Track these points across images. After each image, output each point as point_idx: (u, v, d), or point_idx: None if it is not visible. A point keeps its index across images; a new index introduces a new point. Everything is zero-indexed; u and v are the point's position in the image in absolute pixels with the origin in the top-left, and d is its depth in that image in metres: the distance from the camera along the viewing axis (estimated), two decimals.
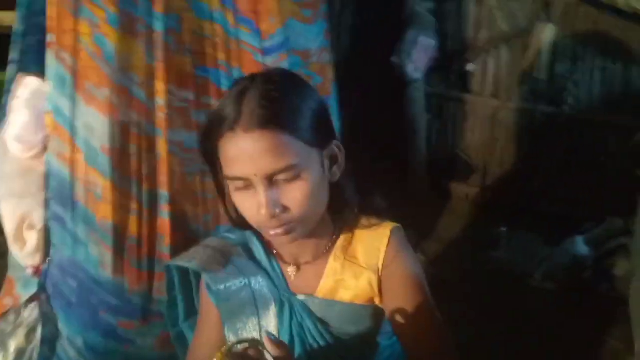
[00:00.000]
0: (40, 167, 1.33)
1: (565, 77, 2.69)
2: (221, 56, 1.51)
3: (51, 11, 1.27)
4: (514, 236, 2.77)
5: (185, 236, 1.47)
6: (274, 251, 1.13)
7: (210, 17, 1.48)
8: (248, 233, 1.14)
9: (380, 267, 1.06)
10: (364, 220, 1.10)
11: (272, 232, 0.97)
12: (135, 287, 1.40)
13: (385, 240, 1.06)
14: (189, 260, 1.14)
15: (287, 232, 0.96)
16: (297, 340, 1.06)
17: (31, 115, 1.30)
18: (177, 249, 1.39)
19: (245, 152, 0.90)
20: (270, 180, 0.91)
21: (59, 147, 1.31)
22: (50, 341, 1.34)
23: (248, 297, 1.07)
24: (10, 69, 1.40)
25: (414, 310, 1.01)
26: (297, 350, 1.06)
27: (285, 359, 0.83)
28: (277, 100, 0.92)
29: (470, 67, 2.95)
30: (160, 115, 1.40)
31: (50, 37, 1.28)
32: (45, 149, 1.32)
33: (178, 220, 1.46)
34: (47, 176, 1.32)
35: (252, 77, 0.98)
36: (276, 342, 0.84)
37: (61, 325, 1.37)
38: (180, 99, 1.45)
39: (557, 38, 2.64)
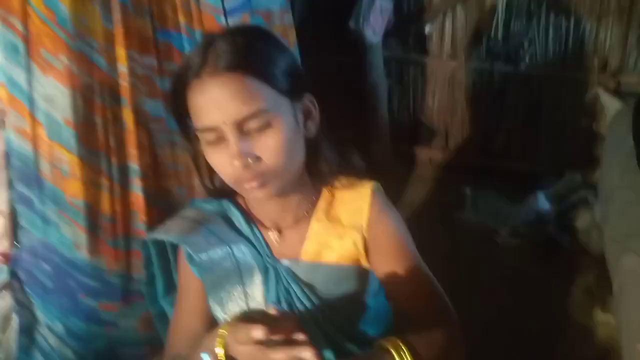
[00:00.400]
0: None
1: (521, 35, 2.72)
2: (182, 19, 1.42)
3: None
4: (478, 196, 2.81)
5: (160, 212, 1.40)
6: (254, 218, 1.10)
7: None
8: (224, 202, 1.11)
9: (365, 226, 1.05)
10: (343, 180, 1.09)
11: (246, 186, 0.94)
12: (114, 267, 1.33)
13: (368, 199, 1.05)
14: (166, 232, 1.10)
15: (262, 185, 0.94)
16: (284, 305, 1.05)
17: None
18: (153, 225, 1.33)
19: (212, 99, 0.87)
20: (241, 130, 0.89)
21: (18, 121, 1.21)
22: (27, 329, 1.26)
23: (231, 265, 1.05)
24: None
25: (404, 269, 1.01)
26: None
27: (295, 328, 0.80)
28: (244, 46, 0.90)
29: (427, 29, 2.94)
30: (124, 84, 1.31)
31: None
32: (2, 124, 1.21)
33: (151, 195, 1.39)
34: (8, 154, 1.22)
35: (221, 31, 0.99)
36: (283, 312, 0.83)
37: (38, 312, 1.28)
38: (143, 65, 1.37)
39: None
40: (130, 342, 1.38)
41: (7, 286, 1.25)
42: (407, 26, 2.99)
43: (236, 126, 0.88)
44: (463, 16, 2.83)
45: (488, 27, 2.75)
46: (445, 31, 2.91)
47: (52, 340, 1.28)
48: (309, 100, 1.01)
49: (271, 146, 0.91)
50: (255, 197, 0.99)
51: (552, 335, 2.03)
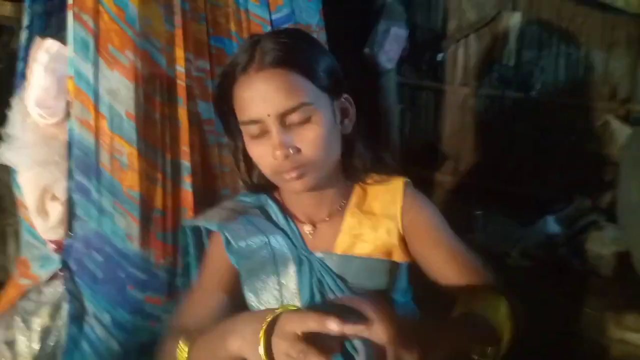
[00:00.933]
0: (62, 135, 1.24)
1: (532, 64, 2.82)
2: (233, 27, 1.49)
3: None
4: (489, 219, 2.85)
5: (206, 210, 1.42)
6: (289, 212, 1.14)
7: None
8: (263, 197, 1.15)
9: (399, 215, 1.09)
10: (375, 177, 1.14)
11: (286, 176, 0.99)
12: (161, 260, 1.35)
13: (400, 192, 1.10)
14: (206, 219, 1.13)
15: (300, 176, 0.98)
16: (317, 296, 1.08)
17: (52, 79, 1.22)
18: None
19: (258, 92, 0.92)
20: (284, 122, 0.95)
21: (82, 113, 1.24)
22: (77, 319, 1.26)
23: (268, 255, 1.08)
24: (24, 35, 1.32)
25: (446, 250, 1.04)
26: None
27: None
28: (288, 44, 0.95)
29: (440, 56, 3.03)
30: (181, 84, 1.36)
31: None
32: (67, 115, 1.23)
33: (199, 193, 1.42)
34: (70, 144, 1.24)
35: (266, 33, 1.06)
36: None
37: (87, 302, 1.28)
38: (198, 68, 1.42)
39: (523, 26, 2.77)
40: None
41: (58, 275, 1.26)
42: (421, 53, 3.08)
43: (279, 118, 0.93)
44: (476, 44, 2.93)
45: (500, 55, 2.84)
46: (458, 58, 3.00)
47: (99, 330, 1.28)
48: (346, 100, 1.06)
49: (311, 139, 0.96)
50: (294, 188, 1.03)
51: (567, 354, 2.05)
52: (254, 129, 0.95)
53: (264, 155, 0.98)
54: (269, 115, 0.92)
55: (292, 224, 1.12)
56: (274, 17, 1.52)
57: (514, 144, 2.97)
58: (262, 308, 1.07)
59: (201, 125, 1.41)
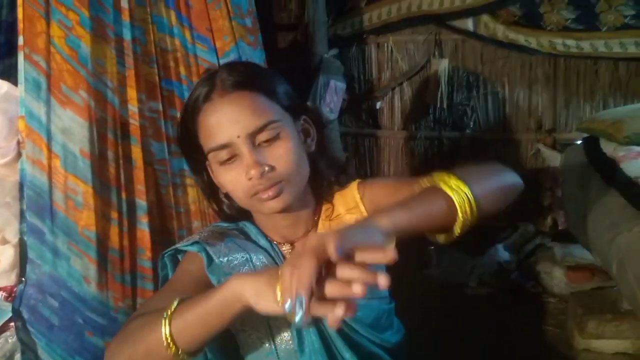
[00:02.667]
0: (13, 176, 1.21)
1: (464, 104, 3.02)
2: (182, 70, 1.54)
3: (21, 13, 1.22)
4: (442, 253, 2.93)
5: (163, 249, 1.40)
6: (267, 235, 1.15)
7: (171, 32, 1.52)
8: (240, 222, 1.15)
9: (361, 203, 1.11)
10: (336, 188, 1.17)
11: (263, 196, 0.99)
12: (120, 303, 1.30)
13: (355, 189, 1.13)
14: (188, 242, 1.11)
15: (277, 194, 0.98)
16: None
17: (3, 119, 1.21)
18: (157, 264, 1.33)
19: (224, 115, 0.94)
20: (253, 143, 0.96)
21: (34, 153, 1.22)
22: None
23: (250, 271, 1.07)
24: None
25: (408, 184, 1.04)
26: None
27: None
28: (246, 70, 0.99)
29: (378, 104, 3.19)
30: (134, 123, 1.37)
31: (20, 40, 1.22)
32: (18, 155, 1.21)
33: (156, 233, 1.40)
34: (22, 185, 1.21)
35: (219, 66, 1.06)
36: None
37: (42, 352, 1.21)
38: (150, 109, 1.45)
39: (450, 71, 2.98)
40: None
41: (8, 326, 1.19)
42: (359, 103, 3.23)
43: (249, 138, 0.95)
44: (410, 91, 3.11)
45: (433, 99, 3.02)
46: (395, 105, 3.16)
47: None
48: (305, 121, 1.10)
49: (282, 154, 0.98)
50: (271, 208, 1.03)
51: None
52: (223, 154, 0.96)
53: (237, 179, 0.98)
54: (238, 137, 0.94)
55: (273, 244, 1.12)
56: (221, 61, 1.57)
57: None
58: (247, 329, 1.05)
59: (155, 165, 1.42)
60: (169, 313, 0.80)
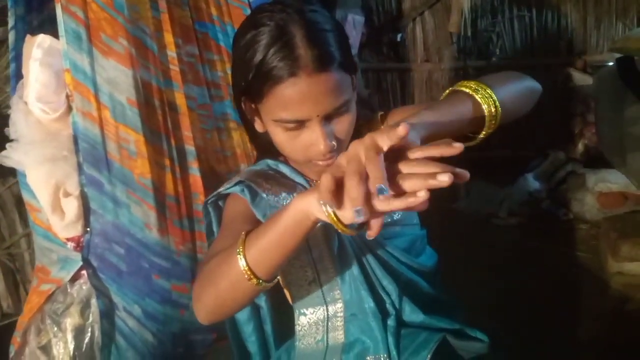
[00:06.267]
0: (67, 129, 1.20)
1: (489, 31, 2.93)
2: (214, 11, 1.48)
3: None
4: (471, 186, 2.93)
5: None
6: (302, 173, 1.15)
7: None
8: (271, 162, 1.15)
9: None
10: (361, 122, 1.16)
11: (322, 163, 0.99)
12: (181, 247, 1.32)
13: (378, 118, 1.12)
14: (227, 186, 1.12)
15: (333, 159, 0.99)
16: (345, 241, 1.08)
17: (50, 74, 1.18)
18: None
19: (309, 95, 0.91)
20: (326, 119, 0.95)
21: (83, 105, 1.20)
22: (107, 314, 1.22)
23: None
24: (11, 36, 1.28)
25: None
26: (346, 250, 1.08)
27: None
28: (327, 39, 0.93)
29: (399, 36, 3.11)
30: (174, 69, 1.35)
31: None
32: (69, 109, 1.20)
33: (207, 177, 1.40)
34: (75, 138, 1.21)
35: (280, 11, 0.94)
36: None
37: (115, 296, 1.24)
38: (187, 53, 1.41)
39: None
40: (199, 327, 1.35)
41: (81, 274, 1.22)
42: (379, 36, 3.15)
43: (325, 117, 0.94)
44: (432, 20, 3.01)
45: (457, 27, 2.94)
46: (417, 36, 3.08)
47: (131, 323, 1.24)
48: (356, 75, 1.07)
49: (347, 128, 0.98)
50: (321, 167, 1.04)
51: (569, 296, 2.12)
52: (292, 125, 0.95)
53: (302, 146, 0.98)
54: (318, 116, 0.93)
55: (308, 181, 1.13)
56: None
57: None
58: (294, 260, 1.07)
59: (198, 110, 1.40)
60: (242, 248, 0.81)
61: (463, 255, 2.25)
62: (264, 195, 1.05)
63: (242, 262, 0.81)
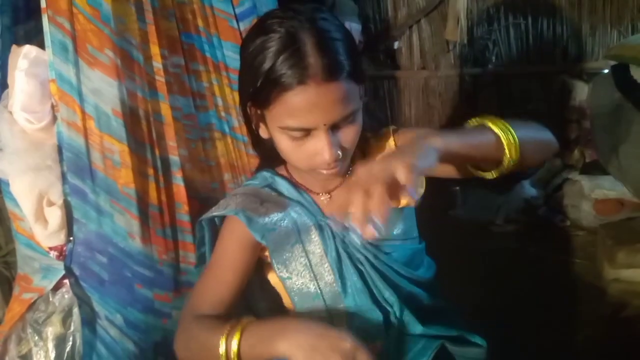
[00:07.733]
0: (51, 139, 1.23)
1: (485, 39, 2.93)
2: (200, 23, 1.50)
3: None
4: (467, 193, 2.93)
5: (200, 203, 1.43)
6: (301, 185, 1.15)
7: None
8: (268, 175, 1.16)
9: (395, 148, 1.13)
10: (369, 135, 1.17)
11: (326, 172, 1.00)
12: (164, 256, 1.34)
13: (390, 133, 1.13)
14: (223, 208, 1.13)
15: (337, 169, 1.00)
16: (343, 255, 1.09)
17: (35, 84, 1.21)
18: (195, 216, 1.36)
19: (317, 104, 0.92)
20: (332, 128, 0.96)
21: (68, 115, 1.23)
22: (89, 323, 1.23)
23: (290, 225, 1.10)
24: None
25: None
26: (346, 264, 1.08)
27: None
28: (338, 48, 0.93)
29: (396, 44, 3.11)
30: (160, 80, 1.37)
31: (43, 3, 1.21)
32: (54, 119, 1.23)
33: (191, 187, 1.42)
34: (60, 147, 1.23)
35: (291, 18, 0.93)
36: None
37: (97, 305, 1.26)
38: (173, 64, 1.43)
39: (470, 4, 2.87)
40: None
41: (63, 283, 1.24)
42: (376, 44, 3.15)
43: (332, 126, 0.95)
44: (428, 28, 3.02)
45: (453, 35, 2.93)
46: (414, 44, 3.08)
47: (113, 332, 1.26)
48: (364, 85, 1.07)
49: (353, 136, 0.99)
50: (325, 176, 1.05)
51: (566, 303, 2.11)
52: (298, 133, 0.95)
53: (307, 155, 0.98)
54: (324, 125, 0.94)
55: (304, 194, 1.14)
56: (237, 10, 1.53)
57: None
58: (292, 277, 1.09)
59: (183, 120, 1.41)
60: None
61: (460, 261, 2.25)
62: (259, 220, 1.07)
63: None
